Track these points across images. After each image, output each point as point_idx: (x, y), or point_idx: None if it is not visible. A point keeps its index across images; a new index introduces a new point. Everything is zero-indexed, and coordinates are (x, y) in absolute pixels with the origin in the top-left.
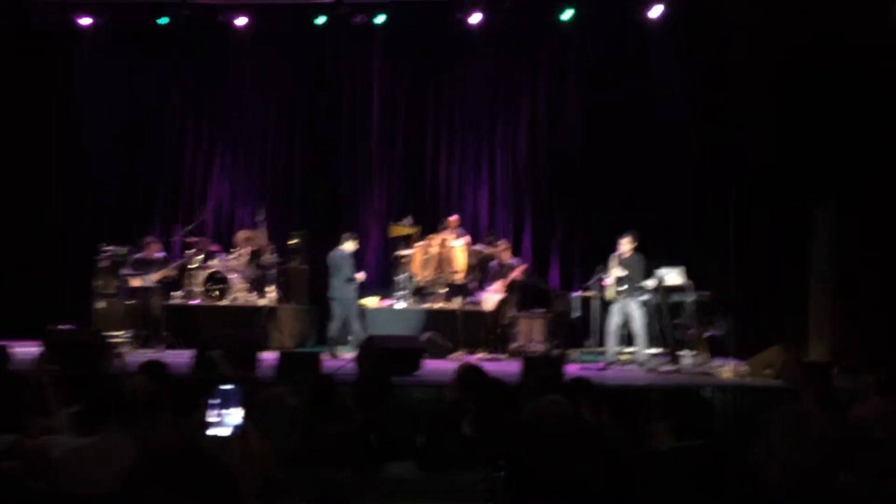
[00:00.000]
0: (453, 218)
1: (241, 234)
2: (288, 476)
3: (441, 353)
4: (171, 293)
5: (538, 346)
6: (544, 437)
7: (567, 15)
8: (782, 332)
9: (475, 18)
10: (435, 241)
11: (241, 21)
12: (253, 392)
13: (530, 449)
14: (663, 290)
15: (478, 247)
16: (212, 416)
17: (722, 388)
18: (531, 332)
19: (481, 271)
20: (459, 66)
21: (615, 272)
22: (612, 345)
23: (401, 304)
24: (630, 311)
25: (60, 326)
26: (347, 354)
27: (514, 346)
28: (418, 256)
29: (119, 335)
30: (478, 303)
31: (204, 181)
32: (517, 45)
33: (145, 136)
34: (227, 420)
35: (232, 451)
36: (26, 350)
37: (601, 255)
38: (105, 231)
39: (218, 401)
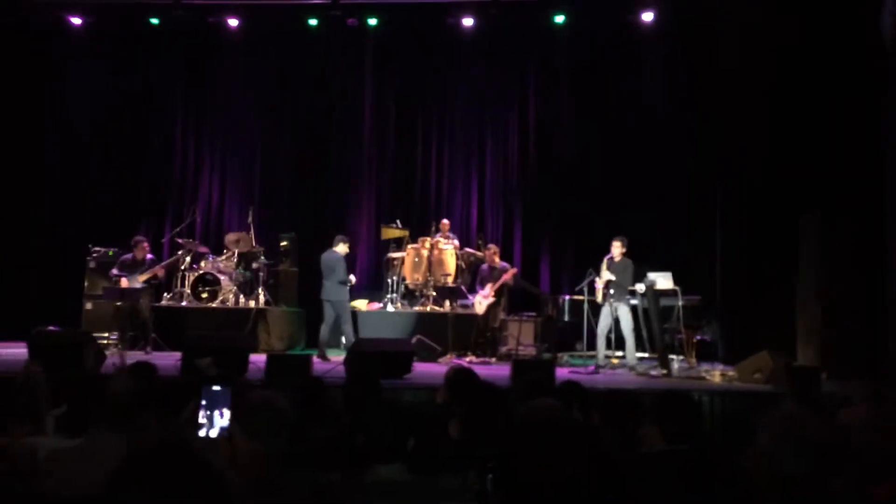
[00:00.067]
0: (445, 221)
1: (231, 236)
2: (276, 478)
3: (430, 357)
4: (161, 295)
5: (528, 350)
6: (534, 439)
7: (559, 19)
8: (771, 337)
9: (467, 22)
10: (426, 244)
11: (232, 22)
12: (241, 394)
13: (520, 451)
14: (653, 295)
15: (468, 250)
16: (199, 418)
17: (711, 393)
18: (521, 336)
19: (471, 274)
20: (451, 70)
21: (605, 276)
22: (601, 349)
23: (391, 307)
24: (619, 315)
25: (46, 328)
26: (338, 357)
27: (504, 349)
28: (409, 259)
29: (106, 336)
30: (469, 306)
31: (194, 183)
32: (508, 49)
33: (135, 138)
34: (214, 422)
35: (219, 453)
36: (14, 352)
37: (591, 260)
38: (95, 232)
39: (205, 402)
